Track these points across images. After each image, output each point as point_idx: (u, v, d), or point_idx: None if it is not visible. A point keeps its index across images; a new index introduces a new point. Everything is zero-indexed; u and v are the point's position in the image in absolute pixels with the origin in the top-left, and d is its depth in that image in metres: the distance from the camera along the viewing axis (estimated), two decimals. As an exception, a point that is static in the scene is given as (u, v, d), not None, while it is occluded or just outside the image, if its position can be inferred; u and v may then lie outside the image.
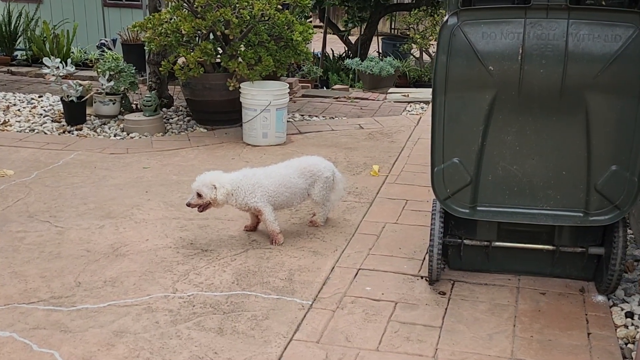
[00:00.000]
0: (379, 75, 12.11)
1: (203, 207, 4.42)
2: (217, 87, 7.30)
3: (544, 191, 3.73)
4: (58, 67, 7.42)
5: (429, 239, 4.43)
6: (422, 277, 4.14)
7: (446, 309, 3.77)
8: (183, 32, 6.71)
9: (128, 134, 7.22)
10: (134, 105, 8.09)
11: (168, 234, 4.71)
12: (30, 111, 8.17)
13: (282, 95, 6.90)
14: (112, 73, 7.58)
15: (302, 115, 8.31)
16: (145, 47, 7.65)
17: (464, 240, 4.03)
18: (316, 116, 8.38)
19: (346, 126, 7.77)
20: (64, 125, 7.47)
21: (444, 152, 3.75)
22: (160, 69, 7.09)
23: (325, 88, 11.74)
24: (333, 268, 4.26)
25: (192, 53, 6.74)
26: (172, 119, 7.87)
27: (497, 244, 3.98)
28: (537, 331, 3.53)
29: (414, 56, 13.63)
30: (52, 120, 7.69)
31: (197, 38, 7.01)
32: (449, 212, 3.83)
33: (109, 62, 7.60)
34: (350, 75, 12.88)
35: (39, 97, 8.99)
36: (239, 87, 6.96)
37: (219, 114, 7.50)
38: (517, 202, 3.77)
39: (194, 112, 7.68)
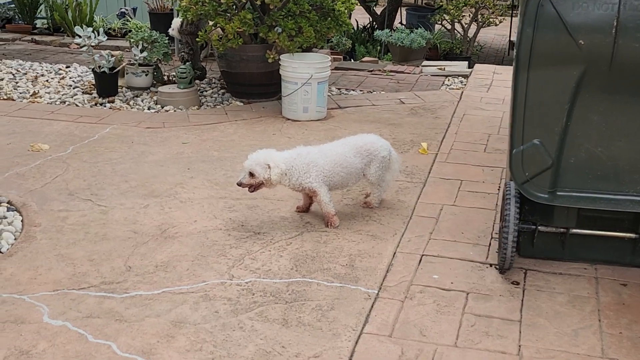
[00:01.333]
0: (409, 48, 11.77)
1: (255, 187, 4.18)
2: (255, 58, 7.02)
3: (630, 176, 3.47)
4: (90, 37, 7.14)
5: (493, 223, 4.23)
6: (491, 265, 3.89)
7: (522, 301, 3.53)
8: (221, 0, 6.40)
9: (162, 107, 6.98)
10: (165, 77, 7.82)
11: (217, 215, 4.48)
12: (59, 82, 7.93)
13: (324, 68, 6.62)
14: (145, 44, 7.30)
15: (338, 89, 8.02)
16: (178, 16, 7.35)
17: (539, 227, 3.75)
18: (353, 90, 8.09)
19: (386, 101, 7.48)
20: (95, 97, 7.24)
21: (523, 133, 3.48)
22: (197, 39, 6.80)
23: (352, 60, 11.41)
24: (395, 253, 4.02)
25: (230, 23, 6.44)
26: (206, 91, 7.61)
27: (576, 231, 3.70)
28: (625, 327, 3.28)
29: (445, 27, 13.24)
30: (82, 92, 7.45)
31: (234, 7, 6.70)
32: (524, 196, 3.56)
33: (141, 32, 7.33)
34: (378, 47, 12.53)
35: (67, 67, 8.74)
36: (279, 59, 6.67)
37: (256, 86, 7.23)
38: (600, 187, 3.51)
39: (230, 85, 7.41)
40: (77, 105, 7.03)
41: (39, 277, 3.67)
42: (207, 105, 7.15)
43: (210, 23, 6.82)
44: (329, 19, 6.86)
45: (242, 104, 7.23)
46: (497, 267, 3.85)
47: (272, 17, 6.69)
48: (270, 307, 3.44)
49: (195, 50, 7.83)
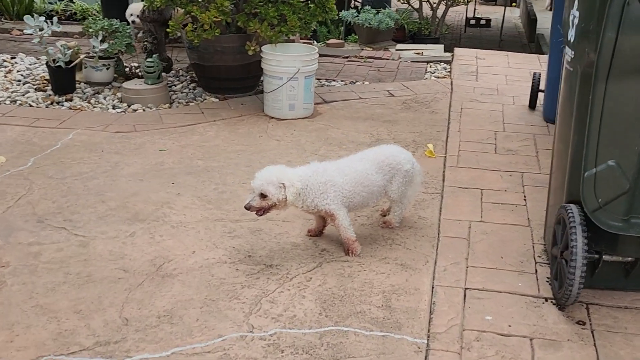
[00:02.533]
0: (377, 29, 11.24)
1: (265, 211, 3.57)
2: (231, 50, 6.36)
3: None
4: (42, 28, 6.34)
5: (532, 243, 3.86)
6: (546, 300, 3.39)
7: (596, 347, 3.06)
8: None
9: (129, 106, 6.26)
10: (127, 70, 7.08)
11: (217, 243, 3.86)
12: (5, 76, 7.09)
13: (311, 61, 6.01)
14: (105, 34, 6.54)
15: (318, 79, 7.41)
16: (142, 2, 6.60)
17: (603, 256, 3.26)
18: (334, 80, 7.51)
19: (374, 93, 6.92)
20: (50, 95, 6.46)
21: (597, 153, 2.97)
22: (167, 30, 6.09)
23: (315, 42, 10.78)
24: (433, 288, 3.50)
25: (206, 12, 5.75)
26: (174, 85, 6.90)
27: (646, 260, 3.23)
28: None
29: (412, 7, 12.72)
30: (35, 89, 6.64)
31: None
32: (589, 223, 3.07)
33: (100, 21, 6.55)
34: (341, 28, 11.93)
35: (12, 58, 7.87)
36: (260, 52, 6.02)
37: (233, 81, 6.58)
38: (681, 212, 3.02)
39: (202, 79, 6.73)
40: (31, 106, 6.25)
41: (16, 339, 3.01)
42: (179, 103, 6.46)
43: (181, 11, 6.11)
44: (313, 5, 6.22)
45: (217, 100, 6.57)
46: (555, 302, 3.36)
47: (251, 4, 6.02)
48: (306, 369, 2.86)
49: (160, 40, 7.11)
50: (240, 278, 3.55)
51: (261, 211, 3.60)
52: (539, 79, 6.37)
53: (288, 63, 5.88)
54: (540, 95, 6.40)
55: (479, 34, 15.15)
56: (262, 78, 6.46)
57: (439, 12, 12.51)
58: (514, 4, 21.29)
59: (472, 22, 16.12)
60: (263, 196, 3.54)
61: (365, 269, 3.67)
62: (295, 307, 3.31)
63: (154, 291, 3.40)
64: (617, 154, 2.99)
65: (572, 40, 3.32)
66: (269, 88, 6.01)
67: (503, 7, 15.73)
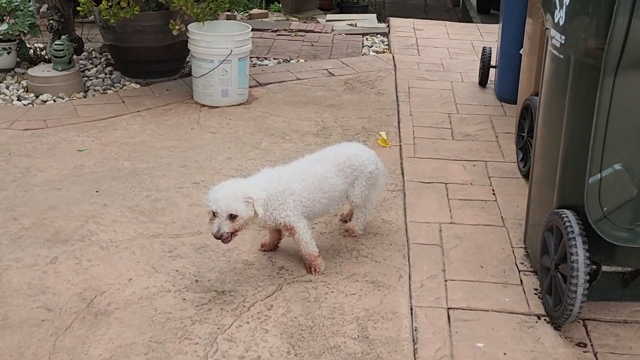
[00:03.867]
0: (303, -7, 10.75)
1: (233, 235, 3.10)
2: (152, 29, 5.80)
3: None
4: None
5: (511, 247, 3.58)
6: (539, 318, 3.10)
7: (603, 374, 2.75)
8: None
9: (37, 97, 5.63)
10: (32, 52, 6.39)
11: (156, 267, 3.39)
12: None
13: (245, 41, 5.53)
14: (3, 13, 5.83)
15: (250, 59, 6.88)
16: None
17: (603, 266, 2.98)
18: (266, 58, 7.04)
19: (312, 72, 6.48)
20: (-59, 86, 5.72)
21: (603, 156, 2.65)
22: (78, 8, 5.45)
23: (237, 13, 10.22)
24: (412, 309, 3.14)
25: (124, -12, 5.16)
26: (88, 70, 6.27)
27: (647, 270, 2.97)
28: None
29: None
30: None
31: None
32: (589, 233, 2.77)
33: (-3, -2, 5.84)
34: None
35: None
36: (186, 31, 5.48)
37: (154, 63, 6.02)
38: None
39: (120, 62, 6.13)
40: None
41: None
42: (95, 90, 5.86)
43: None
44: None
45: (138, 85, 5.99)
46: (549, 320, 3.07)
47: (174, -23, 5.45)
48: None
49: (67, 17, 6.43)
50: (189, 311, 3.09)
51: (231, 237, 3.12)
52: (490, 54, 6.07)
53: (219, 44, 5.37)
54: (491, 72, 6.11)
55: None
56: (187, 60, 5.92)
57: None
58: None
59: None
60: (232, 217, 3.04)
61: (333, 289, 3.27)
62: (259, 346, 2.89)
63: (86, 335, 2.91)
64: (625, 157, 2.68)
65: (561, 23, 2.97)
66: (199, 72, 5.48)
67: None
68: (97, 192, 4.13)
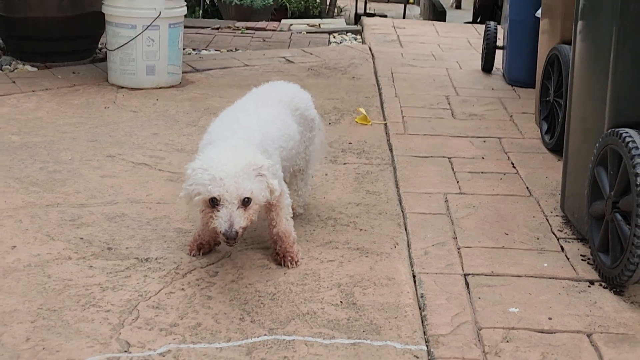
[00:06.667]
0: (249, 7, 10.80)
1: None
2: (54, -6, 5.54)
3: None
4: None
5: (544, 216, 3.30)
6: (592, 283, 2.80)
7: (690, 339, 2.45)
8: None
9: None
10: None
11: (53, 234, 3.04)
12: None
13: (177, 1, 5.29)
14: None
15: (182, 48, 6.67)
16: None
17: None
18: (204, 50, 6.81)
19: (265, 60, 6.29)
20: None
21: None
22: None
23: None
24: (415, 277, 2.81)
25: None
26: (-36, 53, 5.95)
27: None
28: None
29: (295, -20, 12.33)
30: None
31: None
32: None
33: None
34: (198, 10, 11.35)
35: None
36: (101, -8, 5.26)
37: (57, 42, 5.77)
38: None
39: (11, 40, 5.87)
40: None
41: None
42: (-28, 73, 5.54)
43: None
44: None
45: (35, 69, 5.68)
46: (606, 285, 2.78)
47: None
48: (234, 401, 2.08)
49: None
50: (98, 278, 2.73)
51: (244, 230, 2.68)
52: (495, 31, 5.95)
53: (143, 3, 5.14)
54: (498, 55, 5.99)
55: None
56: (104, 35, 5.66)
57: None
58: (410, 1, 21.59)
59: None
60: (245, 203, 2.61)
61: (302, 256, 2.92)
62: (198, 313, 2.53)
63: (-55, 303, 2.51)
64: None
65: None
66: (116, 43, 5.23)
67: (402, 4, 15.47)
68: (-31, 163, 3.78)
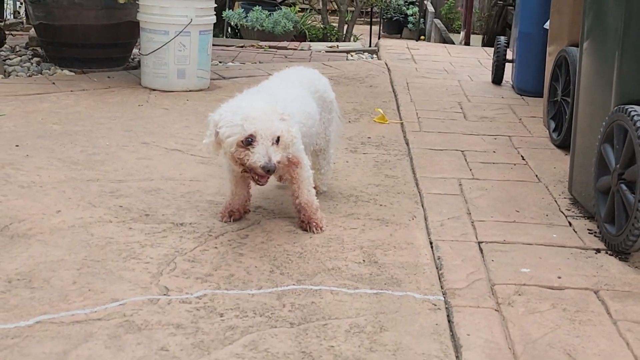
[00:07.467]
0: (271, 32, 10.89)
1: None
2: (93, 3, 5.69)
3: None
4: None
5: (552, 198, 3.33)
6: (598, 251, 2.86)
7: (691, 296, 2.50)
8: None
9: (-55, 77, 5.39)
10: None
11: (94, 202, 3.13)
12: None
13: (208, 10, 5.43)
14: None
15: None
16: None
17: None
18: (230, 62, 6.93)
19: (288, 71, 6.34)
20: None
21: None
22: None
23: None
24: (432, 243, 2.88)
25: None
26: (10, 59, 6.09)
27: None
28: None
29: (314, 9, 12.45)
30: None
31: None
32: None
33: None
34: (222, 36, 11.48)
35: None
36: (135, 3, 5.39)
37: (94, 48, 5.89)
38: None
39: (51, 47, 5.98)
40: None
41: None
42: (18, 76, 5.66)
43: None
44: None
45: (72, 74, 5.81)
46: (612, 253, 2.84)
47: None
48: (266, 333, 2.15)
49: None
50: (138, 237, 2.82)
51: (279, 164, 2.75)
52: (506, 46, 6.04)
53: (176, 10, 5.27)
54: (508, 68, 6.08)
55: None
56: (137, 44, 5.77)
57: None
58: (422, 37, 21.77)
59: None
60: (277, 142, 2.67)
61: (327, 224, 3.00)
62: (231, 266, 2.61)
63: (-2, 253, 2.60)
64: None
65: None
66: (150, 48, 5.34)
67: (413, 40, 15.59)
68: (17, 146, 3.88)
